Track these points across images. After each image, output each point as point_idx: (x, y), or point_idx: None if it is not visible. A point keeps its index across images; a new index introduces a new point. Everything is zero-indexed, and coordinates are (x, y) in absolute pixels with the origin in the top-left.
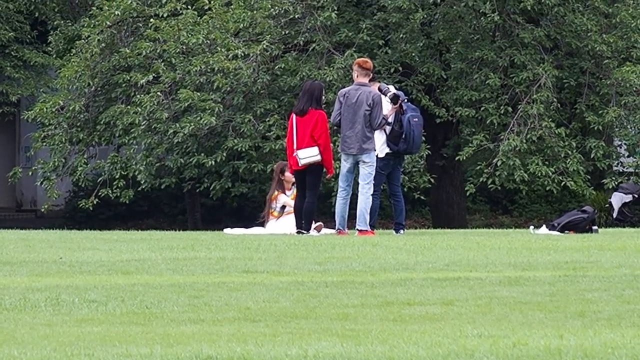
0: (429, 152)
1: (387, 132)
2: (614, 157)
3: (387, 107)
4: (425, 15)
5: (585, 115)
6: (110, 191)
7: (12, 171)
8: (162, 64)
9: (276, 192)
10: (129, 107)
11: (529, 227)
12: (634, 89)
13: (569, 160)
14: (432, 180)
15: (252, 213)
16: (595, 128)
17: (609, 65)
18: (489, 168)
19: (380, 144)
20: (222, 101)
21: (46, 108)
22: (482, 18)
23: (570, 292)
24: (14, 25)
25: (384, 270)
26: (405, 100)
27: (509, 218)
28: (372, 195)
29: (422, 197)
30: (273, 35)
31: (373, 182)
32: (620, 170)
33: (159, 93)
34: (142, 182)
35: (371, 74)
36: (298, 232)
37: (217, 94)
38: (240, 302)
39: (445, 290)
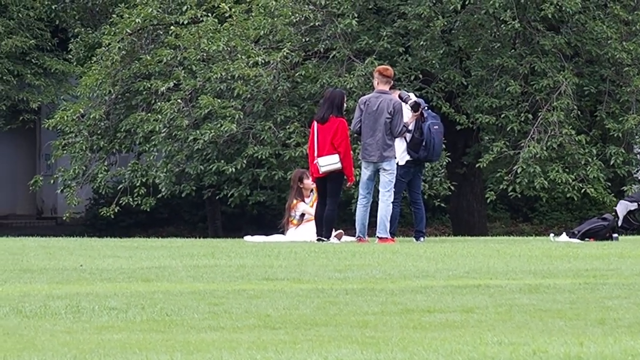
0: (449, 159)
1: (408, 139)
2: (634, 164)
3: (407, 115)
4: (445, 23)
5: (606, 122)
6: (130, 199)
7: (33, 179)
8: (183, 71)
9: (295, 201)
10: (149, 114)
11: (549, 235)
12: None
13: (589, 167)
14: (452, 187)
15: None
16: (615, 135)
17: (629, 72)
18: (509, 175)
19: (400, 152)
20: (242, 108)
21: (67, 116)
22: (502, 25)
23: (590, 299)
24: (34, 32)
25: (404, 277)
26: (426, 108)
27: (530, 226)
28: (392, 202)
29: (443, 205)
30: (293, 43)
31: (393, 189)
32: None
33: (179, 100)
34: (162, 189)
35: (392, 82)
36: (318, 240)
37: (237, 101)
38: (261, 309)
39: (466, 298)
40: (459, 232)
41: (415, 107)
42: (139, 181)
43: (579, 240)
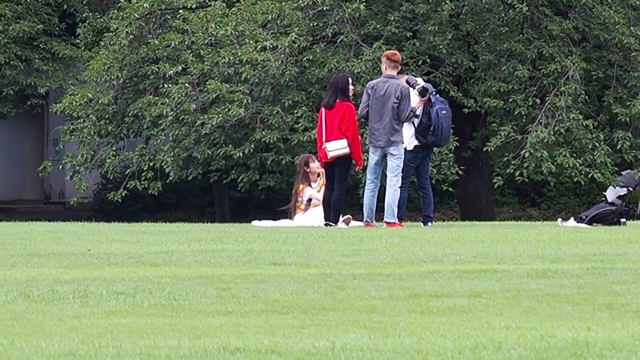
0: (457, 143)
1: (416, 124)
2: None
3: (415, 100)
4: (453, 7)
5: (613, 107)
6: (138, 183)
7: (42, 165)
8: (191, 55)
9: (302, 186)
10: (157, 98)
11: (557, 220)
12: None
13: (596, 152)
14: (460, 172)
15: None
16: (623, 120)
17: (637, 57)
18: (517, 160)
19: (408, 137)
20: (250, 93)
21: (75, 101)
22: (510, 10)
23: (598, 284)
24: (42, 17)
25: (412, 262)
26: (434, 93)
27: (537, 211)
28: (400, 187)
29: (451, 190)
30: (301, 27)
31: (401, 174)
32: None
33: (186, 84)
34: (170, 173)
35: (400, 67)
36: (326, 224)
37: (245, 86)
38: (268, 294)
39: (473, 283)
40: (467, 217)
41: (422, 92)
42: (147, 165)
43: (586, 225)
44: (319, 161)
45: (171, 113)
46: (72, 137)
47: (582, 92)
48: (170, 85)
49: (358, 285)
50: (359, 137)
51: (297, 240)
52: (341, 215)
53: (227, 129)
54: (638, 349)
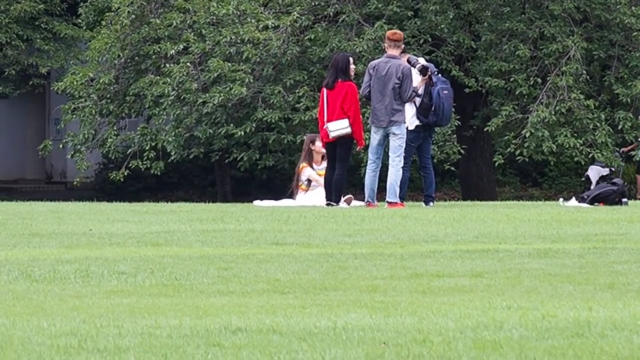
0: (459, 122)
1: (417, 104)
2: None
3: (416, 79)
4: None
5: (614, 87)
6: (140, 163)
7: (42, 144)
8: (192, 34)
9: (302, 165)
10: (158, 77)
11: (558, 200)
12: None
13: (597, 132)
14: (461, 151)
15: (281, 185)
16: (624, 100)
17: (638, 37)
18: (517, 139)
19: (410, 117)
20: (251, 72)
21: (76, 80)
22: None
23: (599, 264)
24: None
25: (413, 242)
26: (436, 73)
27: (539, 190)
28: (402, 167)
29: (452, 169)
30: (303, 7)
31: (403, 154)
32: None
33: (188, 64)
34: (172, 153)
35: (402, 46)
36: (327, 204)
37: (247, 65)
38: (270, 274)
39: (475, 263)
40: (469, 196)
41: (423, 71)
42: (148, 145)
43: (588, 205)
44: (313, 138)
45: (173, 92)
46: (74, 116)
47: (584, 72)
48: (171, 65)
49: (359, 265)
50: (361, 116)
51: (299, 220)
52: (343, 195)
53: (228, 108)
54: (639, 328)
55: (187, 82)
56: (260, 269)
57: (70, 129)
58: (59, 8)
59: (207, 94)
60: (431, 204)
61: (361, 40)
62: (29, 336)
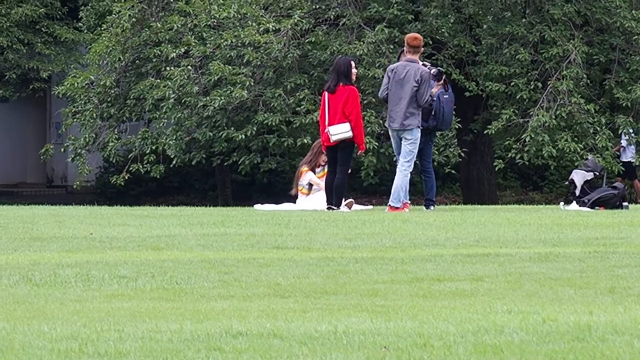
0: (459, 126)
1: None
2: None
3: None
4: None
5: (615, 91)
6: (140, 166)
7: (43, 148)
8: (193, 37)
9: (304, 168)
10: (158, 80)
11: (559, 204)
12: None
13: (597, 136)
14: (462, 154)
15: (282, 189)
16: (624, 104)
17: (639, 41)
18: (518, 144)
19: None
20: (252, 76)
21: (77, 83)
22: None
23: (600, 268)
24: (44, 1)
25: (414, 246)
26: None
27: (540, 194)
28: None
29: (453, 173)
30: (303, 10)
31: (414, 160)
32: None
33: (189, 67)
34: (172, 156)
35: (421, 50)
36: (328, 208)
37: (248, 68)
38: (270, 278)
39: (475, 267)
40: (469, 200)
41: (438, 75)
42: (149, 149)
43: (589, 209)
44: (321, 144)
45: (173, 95)
46: (74, 120)
47: (584, 76)
48: (172, 68)
49: (360, 269)
50: (362, 120)
51: (300, 224)
52: (343, 199)
53: (229, 111)
54: None
55: (188, 85)
56: (261, 273)
57: (71, 133)
58: (59, 12)
59: (208, 97)
60: (432, 207)
61: (362, 43)
62: (30, 340)
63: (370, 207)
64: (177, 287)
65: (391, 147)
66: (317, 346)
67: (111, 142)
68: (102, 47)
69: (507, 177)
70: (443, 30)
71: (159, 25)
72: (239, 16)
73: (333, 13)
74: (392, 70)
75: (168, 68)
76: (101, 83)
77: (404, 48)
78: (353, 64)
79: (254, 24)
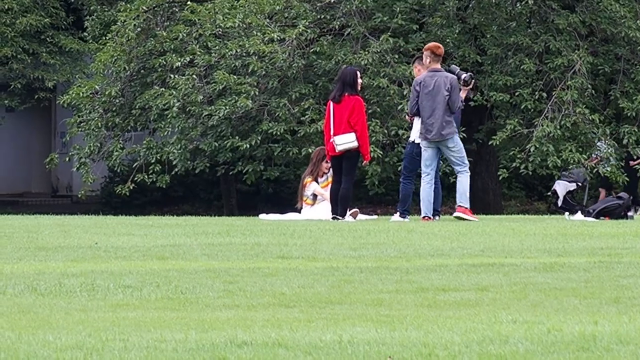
0: (464, 135)
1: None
2: None
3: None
4: (459, 1)
5: (620, 101)
6: (145, 176)
7: (48, 157)
8: (198, 47)
9: (308, 179)
10: (163, 89)
11: (564, 214)
12: None
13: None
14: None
15: (287, 199)
16: (629, 114)
17: None
18: (522, 154)
19: (416, 130)
20: (257, 85)
21: (82, 93)
22: (517, 4)
23: (605, 278)
24: (49, 11)
25: (419, 256)
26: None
27: (545, 204)
28: (406, 180)
29: None
30: (308, 19)
31: (409, 167)
32: None
33: (194, 76)
34: (177, 165)
35: (441, 59)
36: (333, 218)
37: (252, 78)
38: (275, 287)
39: (480, 276)
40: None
41: (469, 80)
42: (154, 158)
43: (594, 219)
44: (326, 154)
45: (177, 104)
46: (79, 129)
47: (589, 86)
48: (177, 77)
49: (365, 278)
50: (367, 131)
51: (304, 233)
52: (349, 209)
53: (233, 120)
54: None
55: (193, 94)
56: (266, 283)
57: (76, 143)
58: (64, 22)
59: (213, 107)
60: (437, 217)
61: (367, 53)
62: (35, 350)
63: (375, 216)
64: (182, 296)
65: (395, 156)
66: (322, 356)
67: (116, 152)
68: (107, 56)
69: (512, 187)
70: (448, 40)
71: (164, 34)
72: (244, 26)
73: (338, 23)
74: (419, 83)
75: (172, 76)
76: (106, 92)
77: (422, 56)
78: (359, 73)
79: (259, 34)
